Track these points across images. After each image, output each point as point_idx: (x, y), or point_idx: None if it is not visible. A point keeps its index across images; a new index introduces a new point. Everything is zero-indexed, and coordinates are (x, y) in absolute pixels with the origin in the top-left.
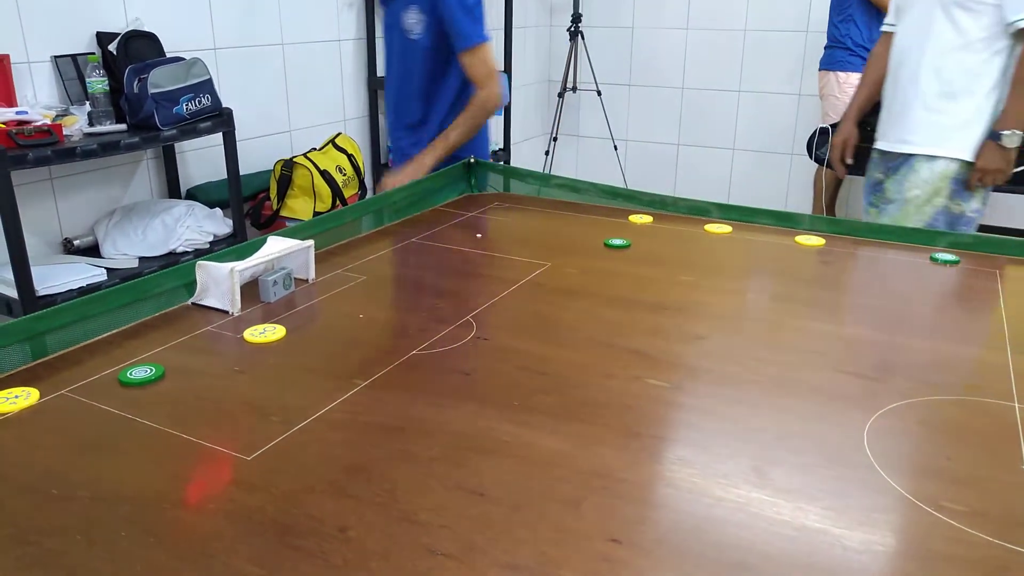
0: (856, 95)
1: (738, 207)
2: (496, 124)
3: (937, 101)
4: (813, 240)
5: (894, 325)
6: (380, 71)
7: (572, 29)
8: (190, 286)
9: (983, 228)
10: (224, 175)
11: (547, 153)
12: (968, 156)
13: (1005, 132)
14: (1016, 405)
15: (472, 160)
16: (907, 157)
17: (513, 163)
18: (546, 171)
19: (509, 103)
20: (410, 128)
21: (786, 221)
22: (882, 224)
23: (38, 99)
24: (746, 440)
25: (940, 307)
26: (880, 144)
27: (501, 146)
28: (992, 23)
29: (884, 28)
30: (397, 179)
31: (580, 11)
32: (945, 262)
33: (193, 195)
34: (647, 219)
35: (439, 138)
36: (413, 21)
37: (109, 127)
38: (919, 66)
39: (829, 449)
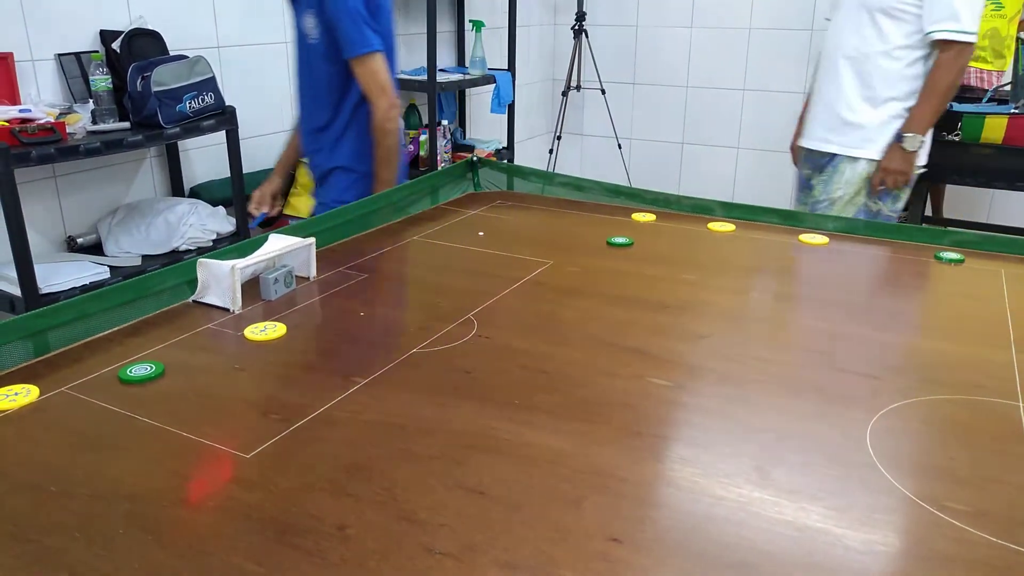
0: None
1: (742, 205)
2: (500, 122)
3: (860, 104)
4: (817, 239)
5: (898, 324)
6: None
7: (576, 27)
8: (191, 284)
9: (986, 228)
10: (227, 173)
11: (551, 151)
12: (879, 155)
13: (907, 135)
14: (1020, 404)
15: (476, 158)
16: (832, 157)
17: (517, 161)
18: (550, 169)
19: (512, 102)
20: (315, 133)
21: (790, 219)
22: (887, 223)
23: (42, 97)
24: (748, 439)
25: (944, 306)
26: (805, 142)
27: (505, 144)
28: (914, 31)
29: (826, 18)
30: None
31: (584, 9)
32: (950, 261)
33: (196, 193)
34: (650, 217)
35: (375, 183)
36: (310, 25)
37: (112, 125)
38: (843, 68)
39: (831, 448)
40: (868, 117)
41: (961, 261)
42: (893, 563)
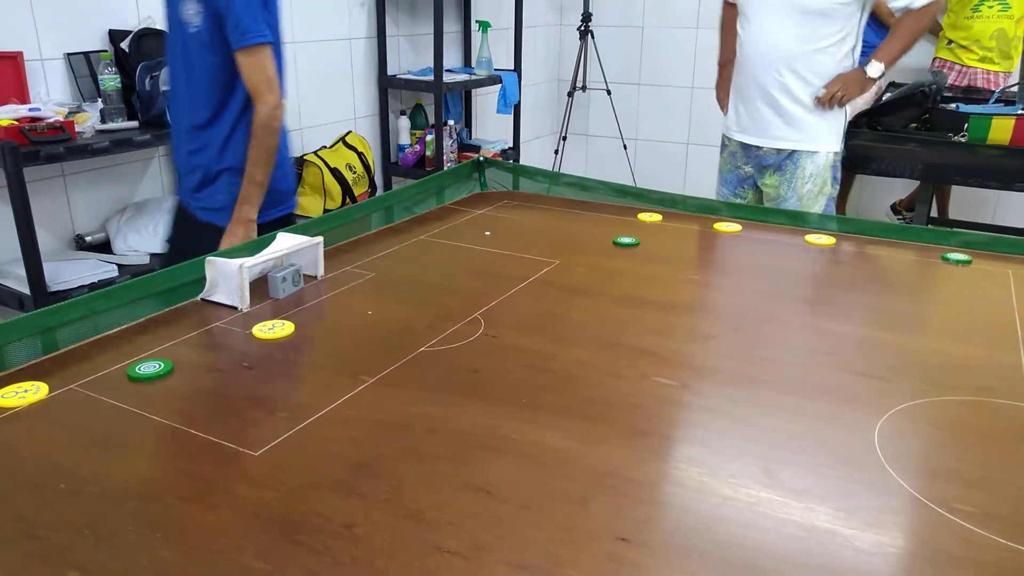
0: (721, 50)
1: (748, 206)
2: (506, 123)
3: (808, 100)
4: (823, 239)
5: (905, 325)
6: (392, 69)
7: (582, 28)
8: (199, 282)
9: (993, 229)
10: None
11: (556, 152)
12: (840, 147)
13: (873, 62)
14: None
15: (482, 158)
16: (790, 154)
17: (522, 161)
18: (555, 169)
19: (518, 102)
20: (195, 131)
21: (796, 220)
22: (894, 223)
23: (51, 96)
24: (755, 440)
25: (952, 307)
26: (753, 140)
27: (511, 144)
28: (844, 27)
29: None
30: (231, 242)
31: (590, 10)
32: (957, 262)
33: None
34: (656, 217)
35: (245, 183)
36: (191, 12)
37: (121, 124)
38: (782, 68)
39: (839, 450)
40: (818, 112)
41: (968, 262)
42: (901, 564)
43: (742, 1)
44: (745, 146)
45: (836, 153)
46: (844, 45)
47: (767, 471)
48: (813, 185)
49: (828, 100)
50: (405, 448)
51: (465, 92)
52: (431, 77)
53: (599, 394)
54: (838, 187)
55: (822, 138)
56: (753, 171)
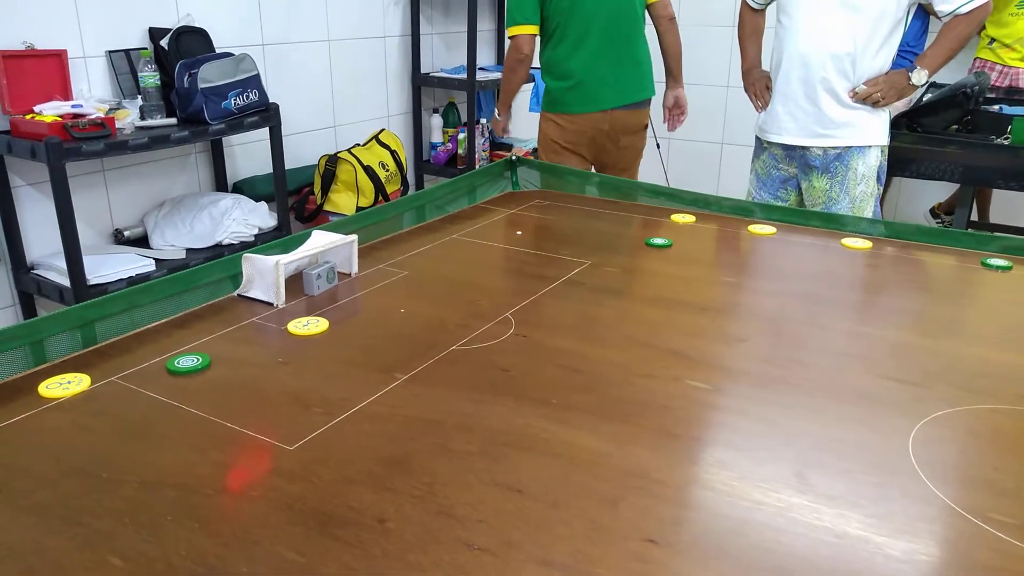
0: (744, 54)
1: (782, 207)
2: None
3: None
4: (860, 243)
5: (943, 331)
6: (425, 68)
7: None
8: (236, 278)
9: (998, 228)
10: (270, 169)
11: None
12: (887, 140)
13: (918, 68)
14: None
15: (514, 157)
16: (838, 154)
17: None
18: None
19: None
20: None
21: (832, 223)
22: (933, 227)
23: (93, 93)
24: (787, 444)
25: (991, 314)
26: (799, 140)
27: None
28: (890, 25)
29: (751, 4)
30: None
31: None
32: (997, 268)
33: (239, 188)
34: (689, 218)
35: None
36: None
37: (160, 121)
38: (829, 67)
39: (872, 455)
40: (863, 108)
41: (1009, 268)
42: (934, 573)
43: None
44: (787, 147)
45: (884, 148)
46: (890, 44)
47: (799, 476)
48: (866, 186)
49: (864, 98)
50: (437, 445)
51: (498, 90)
52: (464, 75)
53: (630, 395)
54: (882, 187)
55: (870, 132)
56: (797, 171)
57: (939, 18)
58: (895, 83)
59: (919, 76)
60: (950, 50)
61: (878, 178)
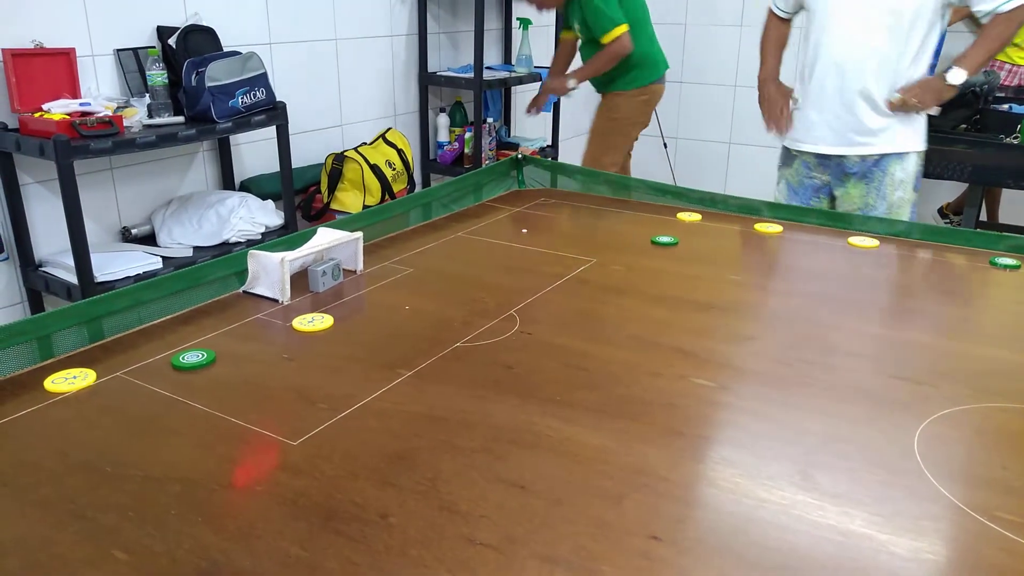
0: (764, 64)
1: (789, 206)
2: (545, 120)
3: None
4: (867, 242)
5: (950, 330)
6: (432, 67)
7: None
8: (241, 275)
9: (1007, 229)
10: (277, 168)
11: None
12: (925, 146)
13: (955, 68)
14: None
15: (520, 156)
16: (877, 160)
17: (561, 159)
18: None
19: (558, 100)
20: None
21: (839, 221)
22: (941, 226)
23: (100, 91)
24: (792, 442)
25: (999, 313)
26: (836, 150)
27: (550, 142)
28: (927, 30)
29: (778, 12)
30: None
31: None
32: (1005, 267)
33: (247, 187)
34: (696, 217)
35: None
36: None
37: (167, 119)
38: (867, 73)
39: (877, 454)
40: (900, 114)
41: (1017, 267)
42: (939, 572)
43: (818, 5)
44: (822, 155)
45: (921, 153)
46: (927, 49)
47: (803, 474)
48: (904, 192)
49: (900, 106)
50: (441, 441)
51: (504, 89)
52: (471, 74)
53: (635, 393)
54: (918, 193)
55: (909, 138)
56: (831, 179)
57: (978, 21)
58: (932, 87)
59: (956, 75)
60: (989, 50)
61: (916, 185)
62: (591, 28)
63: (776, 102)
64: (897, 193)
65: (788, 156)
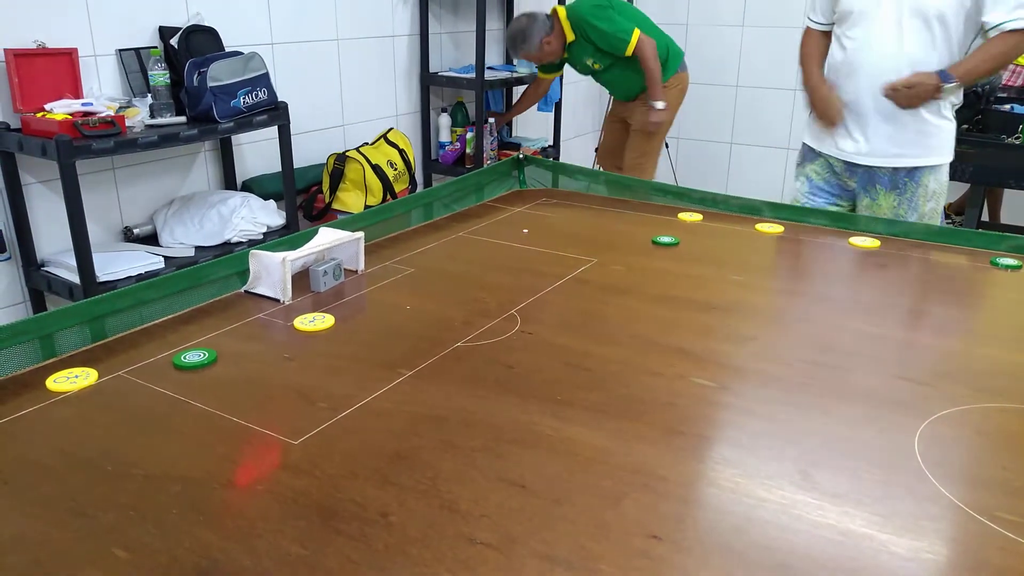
0: (811, 73)
1: (790, 206)
2: (546, 120)
3: (930, 113)
4: (868, 242)
5: (951, 330)
6: (434, 67)
7: None
8: (243, 274)
9: (1008, 229)
10: (279, 168)
11: (597, 150)
12: (953, 155)
13: (952, 80)
14: None
15: (521, 156)
16: (909, 171)
17: (562, 159)
18: (595, 168)
19: (559, 100)
20: None
21: (840, 221)
22: (940, 227)
23: (103, 91)
24: (792, 442)
25: (1000, 313)
26: (864, 160)
27: (551, 142)
28: (962, 38)
29: (812, 25)
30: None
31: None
32: (1006, 267)
33: (248, 187)
34: (697, 217)
35: None
36: None
37: (169, 119)
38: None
39: (878, 454)
40: (940, 123)
41: (1019, 267)
42: (940, 572)
43: (855, 10)
44: (851, 163)
45: (949, 163)
46: (963, 54)
47: (803, 473)
48: (935, 203)
49: (891, 94)
50: (441, 440)
51: (506, 89)
52: (472, 75)
53: (635, 393)
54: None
55: (944, 149)
56: (857, 187)
57: (983, 31)
58: (925, 91)
59: (949, 89)
60: (988, 67)
61: (945, 195)
62: (613, 49)
63: (833, 102)
64: (929, 204)
65: (812, 153)
